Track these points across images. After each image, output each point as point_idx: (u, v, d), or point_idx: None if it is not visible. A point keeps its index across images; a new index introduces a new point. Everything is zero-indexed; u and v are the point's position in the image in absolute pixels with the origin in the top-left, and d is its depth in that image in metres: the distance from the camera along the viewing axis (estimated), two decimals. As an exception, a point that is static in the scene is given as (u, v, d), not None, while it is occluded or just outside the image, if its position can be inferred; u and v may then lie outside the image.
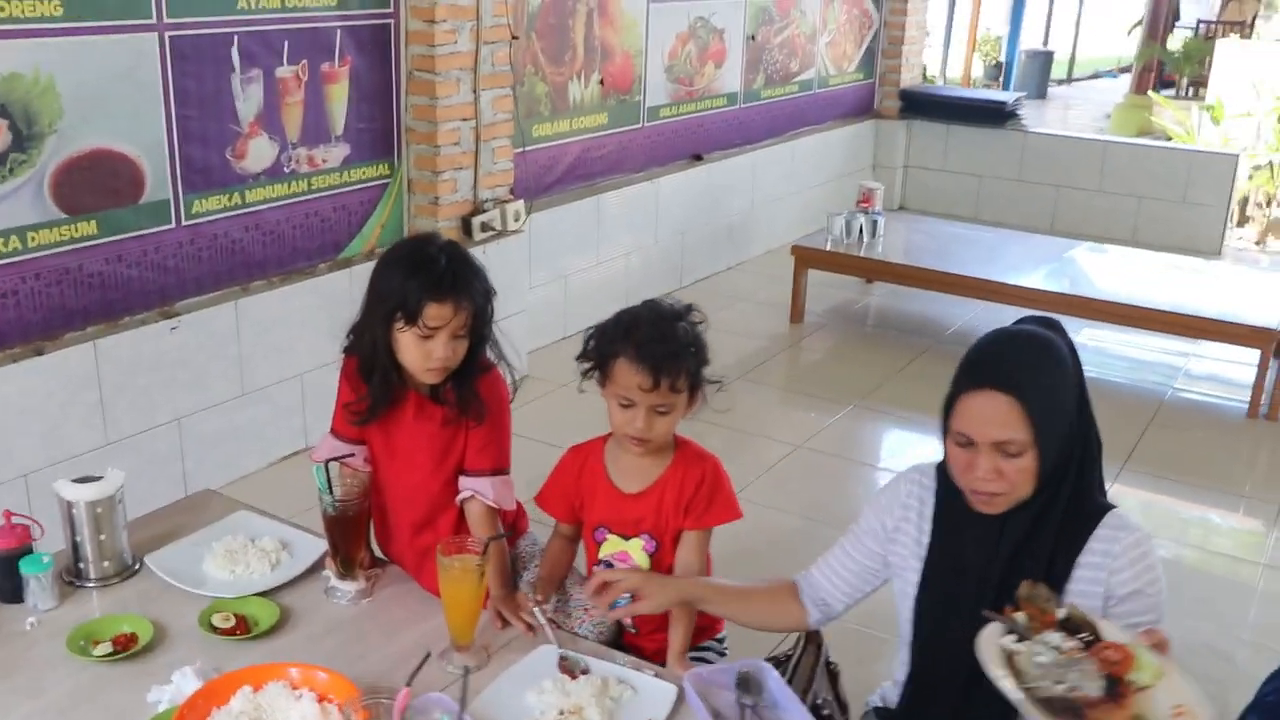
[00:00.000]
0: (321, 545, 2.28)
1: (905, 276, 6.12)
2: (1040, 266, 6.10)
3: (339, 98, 4.07)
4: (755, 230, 7.16)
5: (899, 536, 1.96)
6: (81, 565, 2.14)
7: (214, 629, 2.01)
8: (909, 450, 4.86)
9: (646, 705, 1.91)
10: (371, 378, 2.23)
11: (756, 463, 4.37)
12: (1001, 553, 1.78)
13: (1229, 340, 5.39)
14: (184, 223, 3.65)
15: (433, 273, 2.11)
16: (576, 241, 5.45)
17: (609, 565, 2.28)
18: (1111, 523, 1.79)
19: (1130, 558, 1.76)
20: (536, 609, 2.08)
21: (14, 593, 2.06)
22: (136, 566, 2.20)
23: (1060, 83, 16.98)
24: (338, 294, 4.26)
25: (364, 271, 4.33)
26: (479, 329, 2.18)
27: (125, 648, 1.94)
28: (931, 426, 5.03)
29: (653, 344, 2.07)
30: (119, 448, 3.59)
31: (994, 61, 14.53)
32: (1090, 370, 1.81)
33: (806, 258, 6.18)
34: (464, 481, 2.27)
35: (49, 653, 1.94)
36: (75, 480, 2.15)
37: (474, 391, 2.22)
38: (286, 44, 3.84)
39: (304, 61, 3.90)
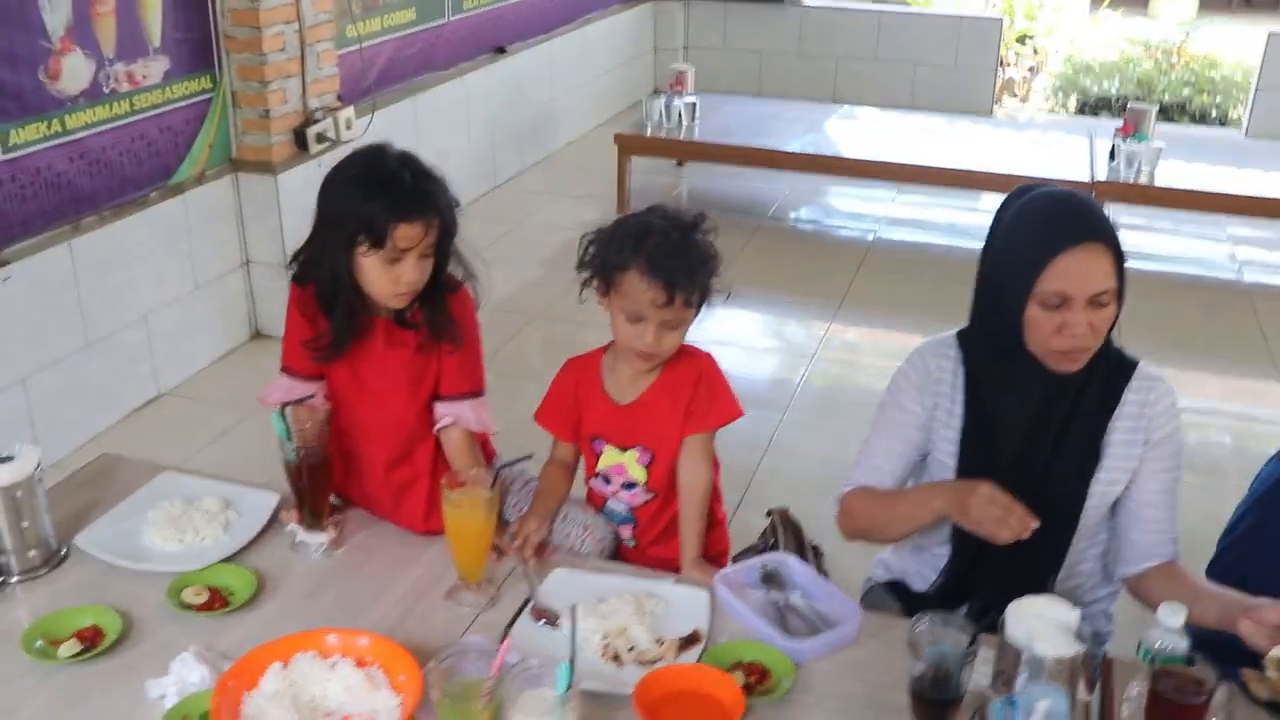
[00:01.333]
0: (267, 497, 2.06)
1: (736, 156, 6.13)
2: (877, 138, 6.30)
3: (152, 5, 3.61)
4: (558, 122, 7.00)
5: (936, 413, 1.92)
6: (2, 559, 1.85)
7: (187, 606, 1.77)
8: (779, 331, 4.88)
9: (684, 615, 1.82)
10: (333, 309, 2.00)
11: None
12: (1055, 410, 1.76)
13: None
14: (2, 157, 3.18)
15: (398, 190, 1.90)
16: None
17: (606, 479, 2.16)
18: (1144, 374, 1.85)
19: (1163, 406, 1.84)
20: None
21: (-71, 602, 1.76)
22: (64, 552, 1.92)
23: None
24: (174, 225, 3.86)
25: (199, 198, 4.05)
26: (445, 246, 1.99)
27: (94, 642, 1.68)
28: (792, 304, 5.06)
29: (667, 258, 1.92)
30: (-45, 421, 3.16)
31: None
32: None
33: (630, 145, 6.08)
34: (441, 408, 2.08)
35: (4, 665, 1.66)
36: (-22, 461, 1.84)
37: (446, 313, 2.02)
38: (86, -56, 3.36)
39: (107, -37, 3.44)
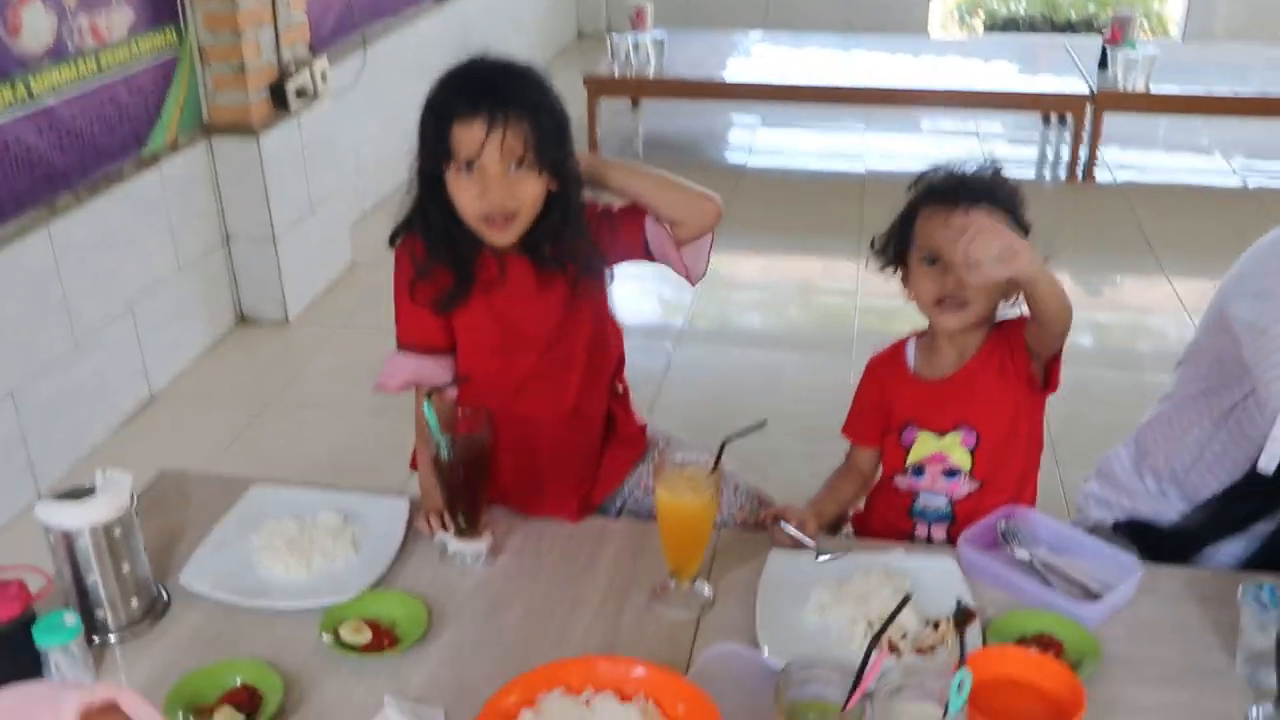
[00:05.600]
0: (395, 504, 1.72)
1: (709, 93, 5.97)
2: (846, 63, 6.09)
3: (105, -56, 3.12)
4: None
5: None
6: (100, 613, 1.48)
7: (352, 648, 1.43)
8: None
9: (937, 587, 1.53)
10: (440, 250, 1.65)
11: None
12: None
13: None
14: (-35, 132, 2.70)
15: (458, 84, 1.57)
16: (370, 104, 4.68)
17: (919, 471, 1.81)
18: None
19: None
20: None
21: (29, 675, 1.37)
22: (165, 598, 1.55)
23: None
24: (151, 200, 3.40)
25: (174, 169, 3.55)
26: (554, 159, 1.59)
27: (253, 707, 1.33)
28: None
29: (950, 179, 1.71)
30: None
31: None
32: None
33: (600, 87, 5.77)
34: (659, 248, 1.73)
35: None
36: (60, 496, 1.46)
37: (580, 240, 1.67)
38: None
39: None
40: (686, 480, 1.47)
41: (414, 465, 1.89)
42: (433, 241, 1.64)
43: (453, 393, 1.71)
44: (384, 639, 1.45)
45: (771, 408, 3.18)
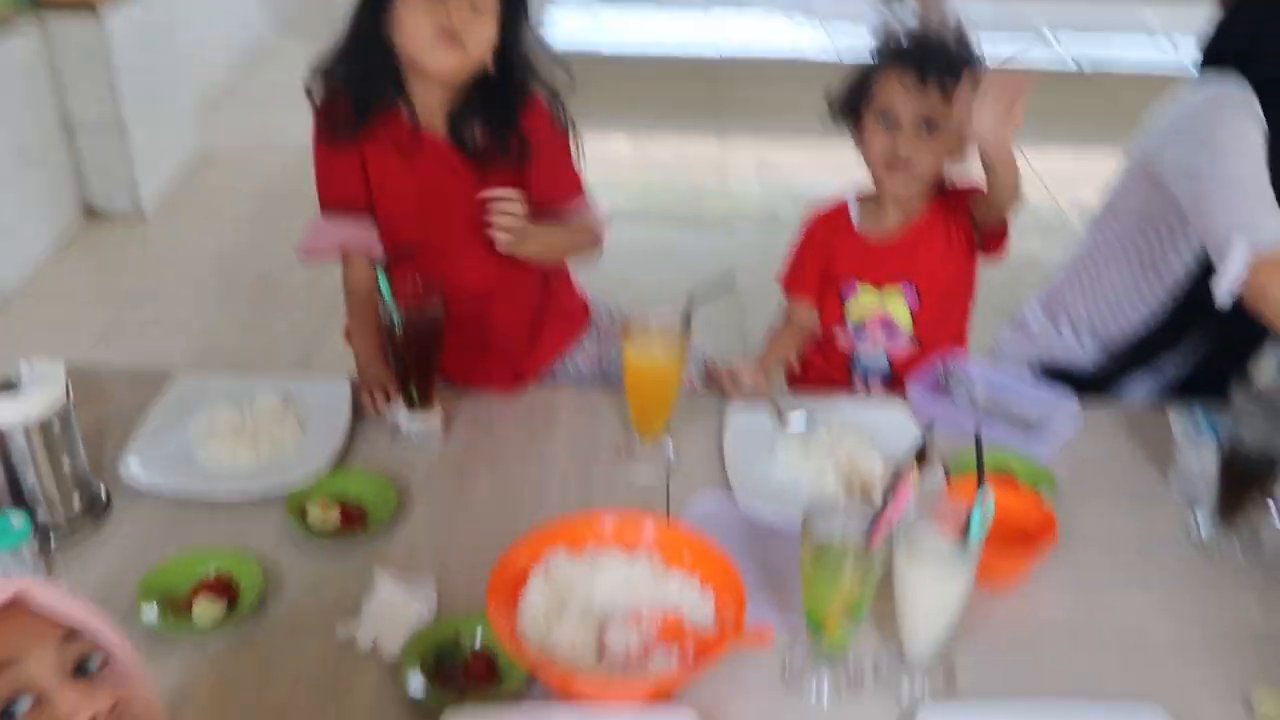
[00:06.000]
0: (334, 385, 1.66)
1: None
2: None
3: None
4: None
5: None
6: (41, 514, 1.39)
7: (324, 532, 1.38)
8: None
9: (890, 430, 1.59)
10: (355, 73, 1.58)
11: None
12: None
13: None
14: None
15: None
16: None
17: (858, 327, 1.85)
18: None
19: None
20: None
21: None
22: (105, 495, 1.47)
23: None
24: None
25: (6, 53, 3.23)
26: (512, 20, 1.55)
27: (230, 595, 1.28)
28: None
29: (918, 45, 1.69)
30: None
31: None
32: None
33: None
34: (562, 215, 1.72)
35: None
36: (-22, 389, 1.35)
37: (514, 125, 1.61)
38: None
39: None
40: (656, 340, 1.46)
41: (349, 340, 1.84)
42: (352, 66, 1.56)
43: (374, 246, 1.66)
44: (354, 519, 1.41)
45: (669, 282, 3.21)
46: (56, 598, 0.73)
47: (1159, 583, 1.36)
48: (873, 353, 1.85)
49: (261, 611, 1.27)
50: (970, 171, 1.73)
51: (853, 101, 1.75)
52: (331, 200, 1.66)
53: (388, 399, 1.61)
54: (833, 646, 1.16)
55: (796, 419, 1.60)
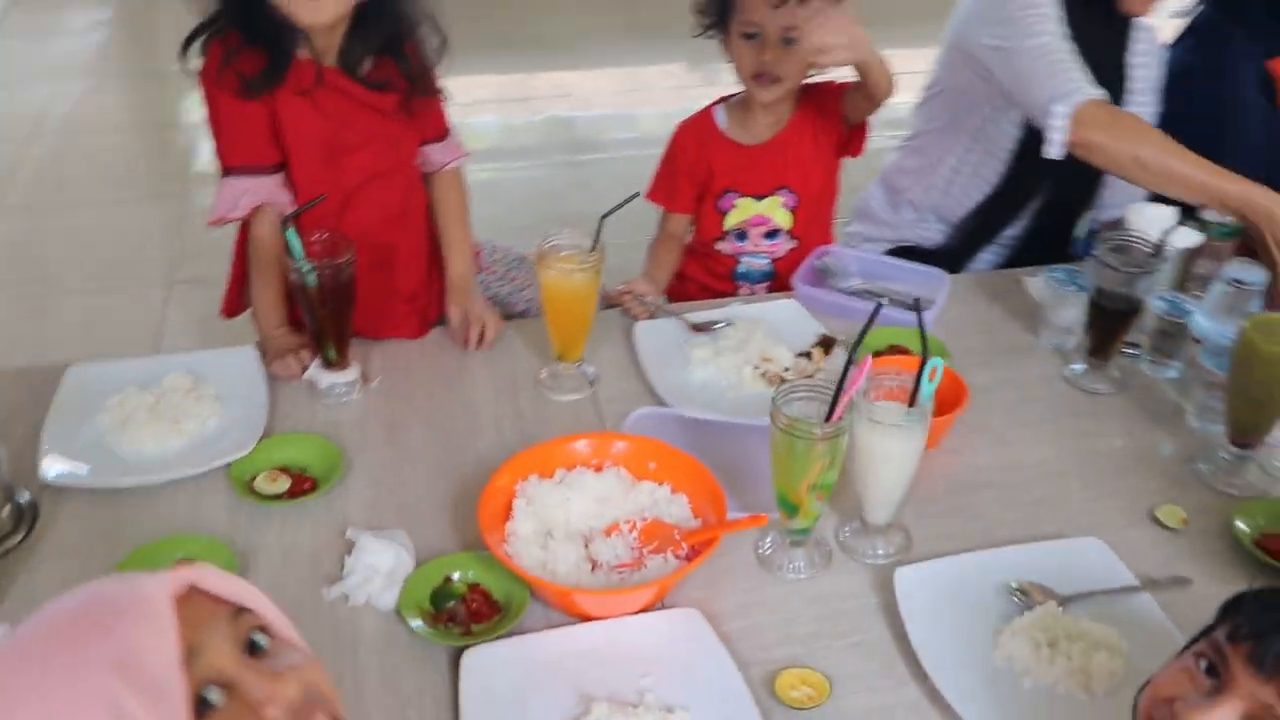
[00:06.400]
0: (240, 353, 1.64)
1: None
2: None
3: None
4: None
5: None
6: (-33, 532, 1.33)
7: (275, 497, 1.38)
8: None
9: (789, 323, 1.70)
10: (254, 28, 1.53)
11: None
12: None
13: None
14: None
15: None
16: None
17: (740, 235, 1.93)
18: None
19: None
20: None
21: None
22: (31, 502, 1.41)
23: None
24: None
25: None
26: None
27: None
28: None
29: None
30: None
31: None
32: None
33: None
34: (434, 152, 1.74)
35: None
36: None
37: (402, 55, 1.62)
38: None
39: None
40: (570, 261, 1.50)
41: (232, 310, 1.80)
42: (247, 22, 1.51)
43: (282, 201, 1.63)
44: (304, 483, 1.41)
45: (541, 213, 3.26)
46: (218, 575, 0.72)
47: (1053, 425, 1.53)
48: (755, 258, 1.95)
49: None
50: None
51: (719, 14, 1.81)
52: (241, 160, 1.60)
53: (303, 363, 1.60)
54: (805, 524, 1.26)
55: (702, 323, 1.68)
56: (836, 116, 1.88)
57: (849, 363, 1.17)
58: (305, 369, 1.59)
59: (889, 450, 1.23)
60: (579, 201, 3.54)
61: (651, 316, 1.73)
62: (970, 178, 2.04)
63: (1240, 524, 1.31)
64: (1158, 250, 1.52)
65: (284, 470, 1.42)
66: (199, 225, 2.19)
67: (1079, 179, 1.93)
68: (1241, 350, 1.34)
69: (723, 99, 1.93)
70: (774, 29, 1.74)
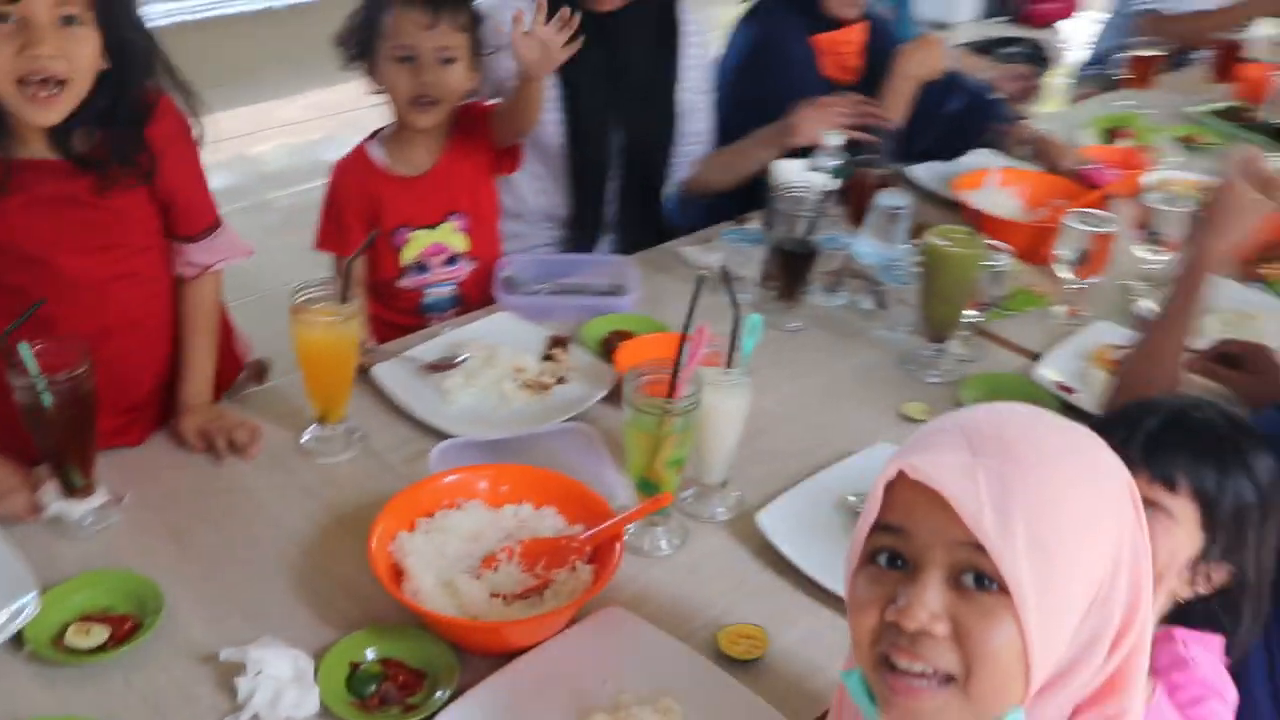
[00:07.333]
0: None
1: None
2: None
3: None
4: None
5: None
6: None
7: (93, 650, 1.21)
8: None
9: (513, 337, 1.75)
10: None
11: None
12: None
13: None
14: None
15: None
16: None
17: (420, 268, 1.90)
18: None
19: None
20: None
21: None
22: None
23: None
24: None
25: None
26: (115, 17, 1.36)
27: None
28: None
29: None
30: None
31: None
32: None
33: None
34: (193, 251, 1.56)
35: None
36: None
37: (137, 135, 1.44)
38: None
39: None
40: (326, 315, 1.44)
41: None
42: None
43: None
44: (124, 623, 1.24)
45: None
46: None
47: (775, 357, 1.72)
48: (440, 287, 1.95)
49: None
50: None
51: (365, 42, 1.78)
52: None
53: (37, 500, 1.38)
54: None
55: (437, 361, 1.69)
56: (488, 138, 1.93)
57: (683, 339, 1.28)
58: (41, 506, 1.38)
59: (729, 408, 1.35)
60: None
61: (373, 363, 1.67)
62: (547, 186, 2.15)
63: (967, 399, 1.59)
64: (823, 196, 1.77)
65: (88, 619, 1.24)
66: None
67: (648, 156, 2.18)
68: (930, 258, 1.62)
69: (373, 134, 1.90)
70: (429, 49, 1.75)
